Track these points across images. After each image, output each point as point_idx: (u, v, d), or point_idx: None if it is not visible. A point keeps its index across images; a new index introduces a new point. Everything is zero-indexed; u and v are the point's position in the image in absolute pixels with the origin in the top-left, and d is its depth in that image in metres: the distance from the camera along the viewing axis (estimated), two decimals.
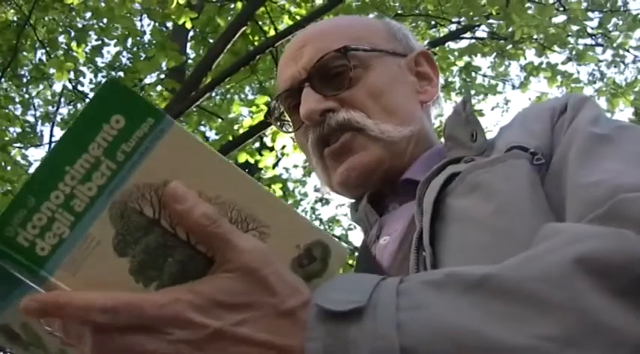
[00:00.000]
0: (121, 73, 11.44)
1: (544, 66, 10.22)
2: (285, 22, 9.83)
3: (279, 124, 1.58)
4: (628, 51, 10.91)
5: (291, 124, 1.55)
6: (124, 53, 12.16)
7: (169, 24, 10.00)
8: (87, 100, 11.15)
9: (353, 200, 1.52)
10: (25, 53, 10.69)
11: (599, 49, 10.90)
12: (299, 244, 0.90)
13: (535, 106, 1.40)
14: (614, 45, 10.56)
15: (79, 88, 12.40)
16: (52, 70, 9.09)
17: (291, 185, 14.60)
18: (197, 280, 0.81)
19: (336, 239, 0.95)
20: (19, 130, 11.44)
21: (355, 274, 1.04)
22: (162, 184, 0.81)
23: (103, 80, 12.46)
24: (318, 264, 0.91)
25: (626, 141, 1.11)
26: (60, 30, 10.50)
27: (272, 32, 8.92)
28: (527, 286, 0.77)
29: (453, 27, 10.85)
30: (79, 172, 0.78)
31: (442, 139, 1.43)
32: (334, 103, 1.40)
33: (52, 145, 11.96)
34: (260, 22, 9.06)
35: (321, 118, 1.40)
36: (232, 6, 9.71)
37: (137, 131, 0.79)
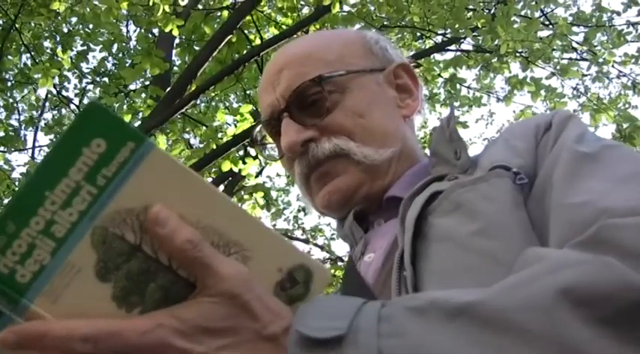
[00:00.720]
0: (106, 79, 11.44)
1: (528, 80, 10.20)
2: (271, 31, 9.87)
3: (264, 151, 1.58)
4: (612, 66, 10.98)
5: (275, 149, 1.54)
6: (110, 59, 12.15)
7: (155, 31, 9.98)
8: (71, 106, 11.14)
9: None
10: (10, 57, 10.67)
11: (583, 64, 10.95)
12: (281, 267, 0.89)
13: (520, 123, 1.38)
14: (600, 61, 10.62)
15: (64, 93, 12.37)
16: (37, 75, 9.07)
17: (274, 194, 14.58)
18: (179, 305, 0.81)
19: (319, 262, 0.94)
20: (2, 134, 11.37)
21: (336, 296, 1.02)
22: (144, 209, 0.80)
23: (88, 86, 12.49)
24: (300, 288, 0.90)
25: (612, 160, 1.09)
26: (45, 35, 10.50)
27: (258, 41, 8.99)
28: (509, 315, 0.76)
29: (439, 39, 10.88)
30: (59, 198, 0.77)
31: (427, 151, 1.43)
32: (314, 132, 1.40)
33: (36, 149, 11.93)
34: (246, 31, 9.10)
35: (302, 148, 1.40)
36: (219, 14, 9.72)
37: (118, 155, 0.78)
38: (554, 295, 0.76)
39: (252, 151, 8.43)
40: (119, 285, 0.80)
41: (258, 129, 1.55)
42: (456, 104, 11.81)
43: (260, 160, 8.98)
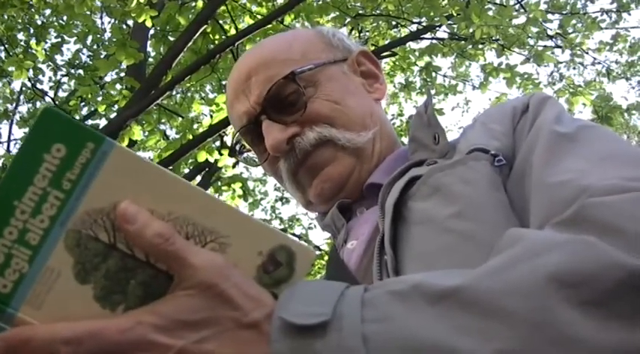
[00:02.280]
0: (81, 71, 11.39)
1: (503, 67, 10.24)
2: (246, 21, 9.79)
3: (244, 158, 1.60)
4: (587, 53, 11.04)
5: (256, 156, 1.57)
6: (84, 51, 12.08)
7: (130, 22, 9.93)
8: (46, 99, 11.11)
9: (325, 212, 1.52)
10: None
11: (558, 52, 10.97)
12: (261, 250, 0.88)
13: (497, 106, 1.39)
14: (573, 45, 10.67)
15: (38, 86, 12.32)
16: (10, 68, 9.03)
17: (251, 184, 14.53)
18: (158, 301, 0.81)
19: (301, 241, 0.95)
20: None
21: (318, 281, 0.99)
22: (113, 207, 0.80)
23: (63, 78, 12.46)
24: (284, 269, 0.89)
25: (590, 140, 1.10)
26: (19, 27, 10.44)
27: (233, 31, 8.92)
28: (494, 299, 0.75)
29: (414, 27, 10.85)
30: (28, 206, 0.78)
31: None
32: (296, 127, 1.43)
33: (11, 142, 11.89)
34: (221, 21, 9.02)
35: (288, 146, 1.43)
36: (193, 4, 9.65)
37: (79, 157, 0.78)
38: (538, 277, 0.76)
39: (229, 141, 8.42)
40: (99, 285, 0.80)
41: (235, 136, 1.55)
42: (432, 92, 11.76)
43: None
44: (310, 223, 16.35)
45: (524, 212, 1.08)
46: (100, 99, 9.31)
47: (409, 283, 0.81)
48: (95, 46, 11.94)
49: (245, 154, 1.60)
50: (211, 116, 8.68)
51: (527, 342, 0.72)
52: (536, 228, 1.00)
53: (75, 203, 0.79)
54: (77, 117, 11.28)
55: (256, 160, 1.58)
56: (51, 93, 12.27)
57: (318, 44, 1.55)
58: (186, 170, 10.73)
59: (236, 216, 0.88)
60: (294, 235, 15.56)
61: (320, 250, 11.46)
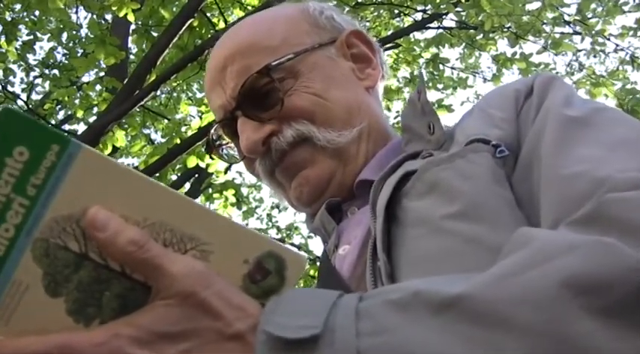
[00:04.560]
0: (56, 71, 11.35)
1: (517, 57, 10.21)
2: (236, 13, 9.74)
3: (223, 154, 1.59)
4: (609, 39, 10.98)
5: (236, 151, 1.56)
6: (59, 49, 12.08)
7: (109, 16, 9.92)
8: (19, 102, 11.08)
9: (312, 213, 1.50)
10: None
11: (577, 38, 10.92)
12: (247, 258, 0.87)
13: (497, 90, 1.36)
14: (593, 32, 10.62)
15: (9, 88, 12.29)
16: None
17: (245, 191, 14.53)
18: (136, 312, 0.80)
19: (291, 247, 0.94)
20: None
21: (308, 290, 0.96)
22: (83, 213, 0.80)
23: (36, 79, 12.44)
24: (273, 278, 0.88)
25: (605, 124, 1.08)
26: None
27: (222, 24, 8.88)
28: (502, 309, 0.74)
29: (419, 16, 10.85)
30: None
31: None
32: (273, 125, 1.40)
33: None
34: (208, 14, 9.00)
35: (264, 147, 1.41)
36: None
37: (44, 161, 0.77)
38: (552, 284, 0.74)
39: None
40: (72, 298, 0.80)
41: (213, 130, 1.55)
42: (439, 86, 11.80)
43: None
44: (310, 232, 16.26)
45: (533, 209, 1.06)
46: (77, 102, 9.33)
47: (409, 291, 0.79)
48: (71, 44, 11.94)
49: (225, 150, 1.59)
50: (200, 117, 8.74)
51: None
52: (547, 227, 0.98)
53: (41, 210, 0.78)
54: (53, 122, 11.26)
55: (237, 156, 1.57)
56: (23, 96, 12.24)
57: (301, 26, 1.51)
58: (174, 177, 10.72)
59: (219, 221, 0.87)
60: (292, 245, 15.54)
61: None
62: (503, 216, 1.08)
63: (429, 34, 11.05)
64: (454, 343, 0.73)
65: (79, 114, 9.19)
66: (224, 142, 1.57)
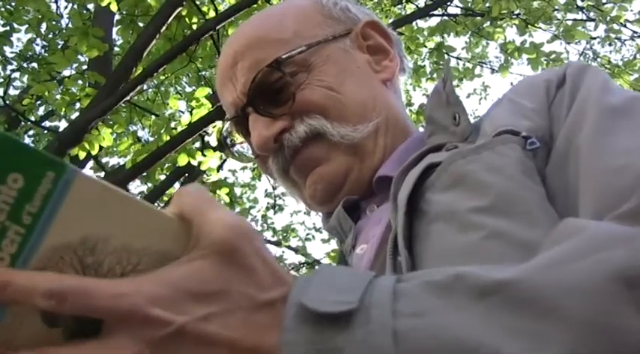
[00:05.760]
0: (35, 65, 11.32)
1: (527, 46, 10.23)
2: (227, 0, 9.83)
3: (235, 152, 1.61)
4: (625, 26, 10.99)
5: (249, 149, 1.56)
6: (38, 41, 12.18)
7: (91, 6, 9.92)
8: None
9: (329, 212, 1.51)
10: None
11: (591, 26, 11.01)
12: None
13: (526, 79, 1.38)
14: (608, 19, 10.63)
15: None
16: None
17: (238, 190, 14.62)
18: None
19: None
20: None
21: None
22: (81, 241, 0.79)
23: (14, 73, 12.38)
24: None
25: None
26: None
27: (212, 13, 8.88)
28: (551, 297, 0.74)
29: (422, 2, 10.97)
30: None
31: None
32: (285, 121, 1.42)
33: None
34: (198, 2, 9.02)
35: (276, 144, 1.42)
36: None
37: (40, 188, 0.77)
38: (603, 275, 0.74)
39: (212, 142, 8.40)
40: (70, 328, 0.79)
41: (225, 128, 1.57)
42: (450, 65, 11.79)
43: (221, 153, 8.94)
44: (307, 234, 16.39)
45: (569, 202, 1.06)
46: (58, 97, 9.32)
47: (449, 274, 0.78)
48: (51, 36, 12.01)
49: (236, 148, 1.61)
50: (191, 113, 8.69)
51: (587, 349, 0.70)
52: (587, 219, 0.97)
53: (38, 239, 0.77)
54: (32, 118, 11.22)
55: (248, 154, 1.59)
56: (0, 91, 12.19)
57: (314, 17, 1.52)
58: (163, 176, 10.72)
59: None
60: (289, 247, 15.59)
61: (320, 264, 11.40)
62: (533, 210, 1.07)
63: (433, 21, 11.11)
64: (496, 330, 0.72)
65: (60, 110, 9.23)
66: (235, 140, 1.59)
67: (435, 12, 11.03)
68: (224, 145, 1.61)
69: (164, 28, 8.16)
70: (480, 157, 1.16)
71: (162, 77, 10.37)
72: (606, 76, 1.20)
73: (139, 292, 0.74)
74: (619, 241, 0.78)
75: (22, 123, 12.03)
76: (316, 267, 0.86)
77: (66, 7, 12.13)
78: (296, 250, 15.80)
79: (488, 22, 10.13)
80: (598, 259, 0.76)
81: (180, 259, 0.79)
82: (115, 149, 10.53)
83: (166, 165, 9.84)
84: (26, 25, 10.87)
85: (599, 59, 11.64)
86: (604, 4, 10.72)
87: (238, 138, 1.58)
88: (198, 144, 8.64)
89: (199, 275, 0.77)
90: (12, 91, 13.11)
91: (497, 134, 1.20)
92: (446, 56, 10.97)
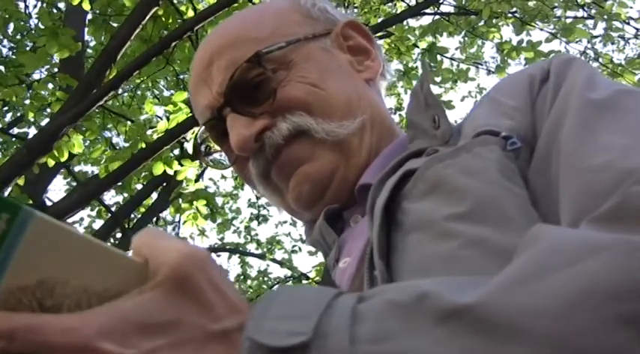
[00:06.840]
0: (2, 68, 11.36)
1: (524, 45, 10.36)
2: (207, 0, 9.79)
3: (211, 160, 1.62)
4: (627, 23, 11.02)
5: (225, 156, 1.57)
6: (5, 42, 12.32)
7: (62, 5, 9.90)
8: None
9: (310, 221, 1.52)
10: None
11: (591, 23, 11.09)
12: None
13: (510, 76, 1.39)
14: (605, 17, 10.67)
15: None
16: None
17: (219, 200, 14.66)
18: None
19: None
20: None
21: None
22: (38, 284, 0.79)
23: None
24: None
25: (632, 108, 1.07)
26: None
27: (190, 13, 8.93)
28: (516, 319, 0.73)
29: (413, 1, 11.04)
30: None
31: None
32: (266, 120, 1.41)
33: None
34: (175, 1, 9.05)
35: (257, 143, 1.41)
36: None
37: None
38: (574, 292, 0.74)
39: (191, 150, 8.37)
40: None
41: (199, 135, 1.57)
42: (438, 79, 11.91)
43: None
44: (294, 246, 16.42)
45: (552, 205, 1.06)
46: (27, 102, 9.41)
47: (413, 294, 0.79)
48: (19, 37, 12.07)
49: (212, 156, 1.62)
50: (168, 118, 8.76)
51: None
52: (567, 225, 0.98)
53: None
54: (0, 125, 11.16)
55: (225, 162, 1.60)
56: None
57: (293, 16, 1.55)
58: (140, 186, 10.70)
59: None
60: (274, 260, 15.59)
61: (308, 278, 11.41)
62: (513, 215, 1.07)
63: (425, 20, 11.08)
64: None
65: (30, 116, 9.21)
66: (211, 149, 1.59)
67: (427, 10, 11.13)
68: (199, 153, 1.60)
69: (139, 28, 8.14)
70: (458, 161, 1.16)
71: (138, 81, 10.52)
72: (592, 70, 1.20)
73: (88, 326, 0.74)
74: (591, 250, 0.78)
75: None
76: (275, 288, 0.87)
77: (35, 7, 12.15)
78: (281, 264, 15.95)
79: (483, 21, 10.21)
80: (569, 273, 0.76)
81: (132, 292, 0.79)
82: (87, 157, 10.51)
83: (143, 174, 9.93)
84: None
85: (600, 59, 11.67)
86: (605, 0, 10.74)
87: (213, 144, 1.58)
88: (176, 152, 8.63)
89: (148, 306, 0.77)
90: None
91: (476, 135, 1.20)
92: (438, 57, 11.02)
